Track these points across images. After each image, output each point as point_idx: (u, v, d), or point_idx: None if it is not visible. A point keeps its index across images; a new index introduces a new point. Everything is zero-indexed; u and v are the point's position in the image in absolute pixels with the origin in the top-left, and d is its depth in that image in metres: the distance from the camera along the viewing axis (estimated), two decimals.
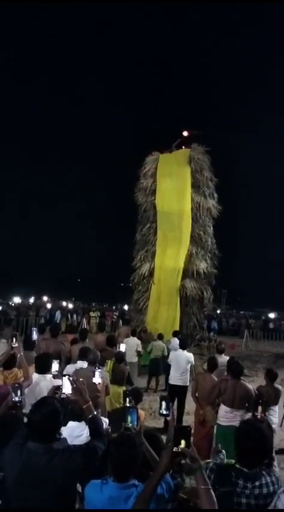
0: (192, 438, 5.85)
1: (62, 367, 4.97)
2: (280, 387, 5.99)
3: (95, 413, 2.65)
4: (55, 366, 4.17)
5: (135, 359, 9.29)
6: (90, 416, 2.60)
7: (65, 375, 3.09)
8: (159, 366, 10.13)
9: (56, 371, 4.16)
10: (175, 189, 14.88)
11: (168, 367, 8.08)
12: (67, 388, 2.89)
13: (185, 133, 16.42)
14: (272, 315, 32.79)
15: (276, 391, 5.62)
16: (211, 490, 1.92)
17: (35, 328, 5.68)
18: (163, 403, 2.55)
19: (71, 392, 2.82)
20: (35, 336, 5.31)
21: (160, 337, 10.70)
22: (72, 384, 2.74)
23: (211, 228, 15.35)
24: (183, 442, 1.97)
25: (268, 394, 5.39)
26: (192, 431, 5.98)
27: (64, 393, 3.04)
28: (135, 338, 9.71)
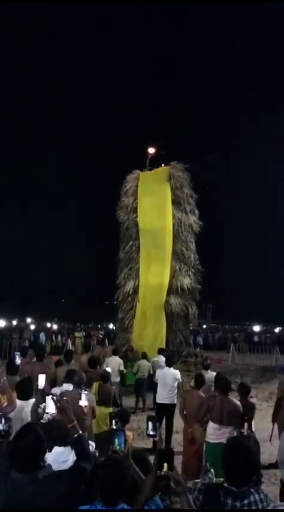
0: (182, 457, 5.78)
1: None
2: (254, 401, 5.96)
3: (81, 432, 2.60)
4: (41, 380, 4.11)
5: (118, 379, 9.17)
6: (75, 435, 2.56)
7: (48, 395, 3.04)
8: (144, 386, 10.02)
9: (42, 386, 4.10)
10: (156, 207, 15.03)
11: (155, 386, 8.01)
12: (51, 408, 2.85)
13: (151, 150, 16.65)
14: (257, 328, 33.02)
15: (250, 405, 5.57)
16: None
17: (18, 352, 5.57)
18: (150, 424, 2.53)
19: (54, 412, 2.78)
20: (18, 361, 5.21)
21: (145, 356, 10.62)
22: (55, 404, 2.69)
23: (193, 243, 15.50)
24: (165, 465, 1.96)
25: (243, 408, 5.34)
26: (181, 449, 5.92)
27: (47, 413, 2.99)
28: (117, 357, 9.62)
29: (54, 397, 2.79)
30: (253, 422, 5.58)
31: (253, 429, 5.51)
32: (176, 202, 15.07)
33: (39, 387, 4.06)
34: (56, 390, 5.08)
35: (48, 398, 2.89)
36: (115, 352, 9.90)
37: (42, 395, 4.24)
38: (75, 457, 2.60)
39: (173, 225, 14.84)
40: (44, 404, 3.00)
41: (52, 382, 6.20)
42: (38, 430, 2.32)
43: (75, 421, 2.60)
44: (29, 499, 2.12)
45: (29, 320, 33.84)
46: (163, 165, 16.44)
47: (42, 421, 3.80)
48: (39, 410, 3.01)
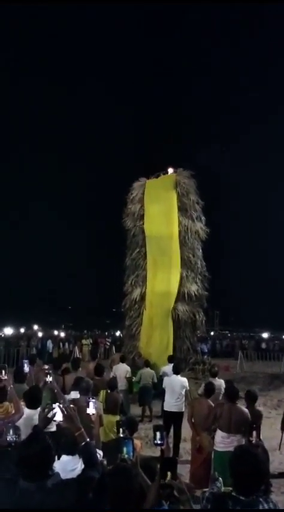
0: (190, 466, 5.74)
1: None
2: (260, 409, 5.91)
3: (88, 440, 2.60)
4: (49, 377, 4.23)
5: (125, 386, 9.13)
6: (82, 443, 2.56)
7: (57, 401, 3.07)
8: (148, 394, 9.94)
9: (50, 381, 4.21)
10: (163, 214, 15.04)
11: (163, 393, 7.97)
12: (58, 416, 2.86)
13: (170, 170, 16.52)
14: (265, 335, 32.79)
15: (257, 414, 5.52)
16: None
17: (26, 360, 5.60)
18: (158, 433, 2.52)
19: (61, 419, 2.79)
20: (26, 368, 5.24)
21: (148, 364, 10.57)
22: (63, 412, 2.70)
23: (200, 250, 15.47)
24: (169, 474, 1.96)
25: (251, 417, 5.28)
26: (189, 458, 5.86)
27: (55, 420, 3.00)
28: (125, 364, 9.59)
29: (61, 405, 2.80)
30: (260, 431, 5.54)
31: (261, 437, 5.47)
32: (182, 209, 15.07)
33: (47, 382, 4.13)
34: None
35: (55, 406, 2.90)
36: (122, 360, 9.86)
37: (51, 391, 4.31)
38: (83, 466, 2.60)
39: (180, 232, 14.84)
40: (52, 406, 3.00)
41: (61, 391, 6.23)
42: (46, 438, 2.32)
43: (82, 429, 2.60)
44: (36, 507, 2.12)
45: (35, 327, 33.89)
46: (169, 172, 16.48)
47: (50, 428, 3.80)
48: (46, 411, 3.00)
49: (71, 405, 2.78)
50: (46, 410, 2.93)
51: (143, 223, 15.34)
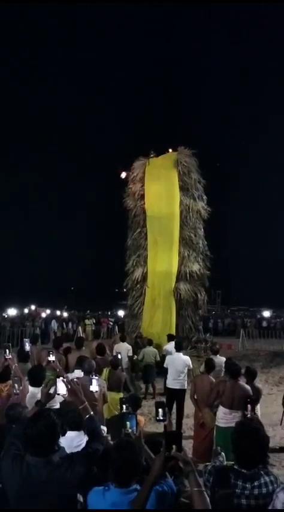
0: (193, 441, 5.82)
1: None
2: (260, 386, 5.97)
3: (92, 413, 2.64)
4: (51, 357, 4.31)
5: (127, 365, 9.24)
6: (87, 416, 2.60)
7: (58, 376, 3.11)
8: (152, 372, 10.07)
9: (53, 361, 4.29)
10: (164, 193, 14.92)
11: (165, 371, 8.06)
12: (62, 389, 2.89)
13: (123, 175, 16.18)
14: (266, 313, 32.97)
15: (256, 390, 5.59)
16: (205, 492, 1.95)
17: (27, 339, 5.66)
18: (160, 410, 2.56)
19: (65, 393, 2.82)
20: (27, 347, 5.30)
21: (150, 343, 10.66)
22: (66, 385, 2.73)
23: (202, 229, 15.40)
24: (174, 447, 2.00)
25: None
26: (192, 433, 5.95)
27: (59, 394, 3.03)
28: (126, 343, 9.68)
29: (64, 379, 2.83)
30: (259, 406, 5.63)
31: (258, 412, 5.55)
32: (184, 188, 14.93)
33: (50, 362, 4.19)
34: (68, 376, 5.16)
35: (59, 380, 2.93)
36: (123, 339, 9.95)
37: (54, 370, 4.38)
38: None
39: (181, 211, 14.73)
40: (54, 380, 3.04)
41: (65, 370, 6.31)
42: (51, 415, 2.34)
43: (86, 403, 2.64)
44: (44, 482, 2.16)
45: (40, 308, 34.15)
46: (170, 150, 16.26)
47: (54, 405, 3.84)
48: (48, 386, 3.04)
49: (75, 379, 2.80)
50: (48, 385, 2.97)
51: (144, 203, 15.23)
